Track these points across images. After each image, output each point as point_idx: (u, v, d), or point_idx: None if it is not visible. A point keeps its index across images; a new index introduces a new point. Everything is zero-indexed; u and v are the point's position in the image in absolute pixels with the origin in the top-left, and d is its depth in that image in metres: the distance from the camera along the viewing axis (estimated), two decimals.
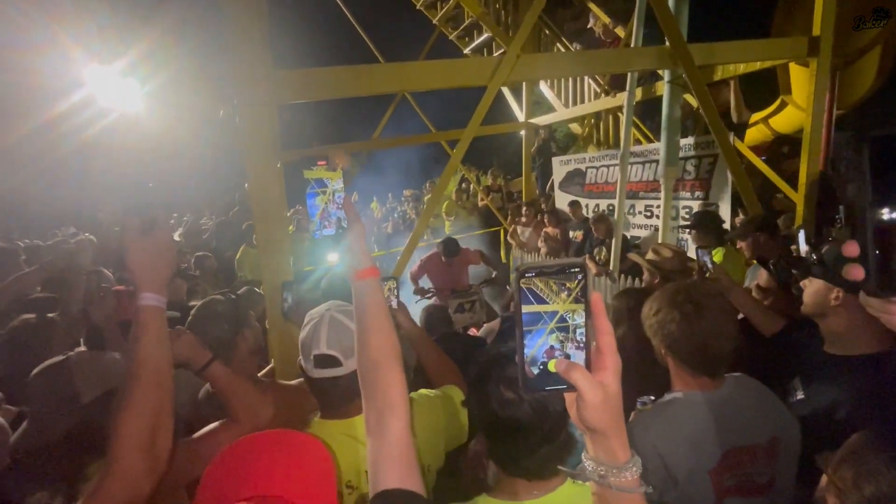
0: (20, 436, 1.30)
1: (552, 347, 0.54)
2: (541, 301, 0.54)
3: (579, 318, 0.54)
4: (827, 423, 1.35)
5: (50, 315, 1.78)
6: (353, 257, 0.85)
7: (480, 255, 4.84)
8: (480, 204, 8.92)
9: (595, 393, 0.52)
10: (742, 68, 3.96)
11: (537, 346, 0.54)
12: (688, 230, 3.66)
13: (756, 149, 4.34)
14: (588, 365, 0.54)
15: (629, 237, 5.09)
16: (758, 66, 3.92)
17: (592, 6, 5.81)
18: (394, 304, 1.70)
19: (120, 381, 0.86)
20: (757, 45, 3.34)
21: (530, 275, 0.54)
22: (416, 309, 3.05)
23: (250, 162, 2.27)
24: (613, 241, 4.62)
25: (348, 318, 1.13)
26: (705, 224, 3.21)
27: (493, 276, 4.70)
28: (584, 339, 0.54)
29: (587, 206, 6.10)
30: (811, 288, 1.50)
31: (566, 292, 0.53)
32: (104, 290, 1.80)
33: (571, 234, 5.75)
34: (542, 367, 0.54)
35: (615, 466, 0.54)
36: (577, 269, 0.53)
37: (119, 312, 1.77)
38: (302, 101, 2.68)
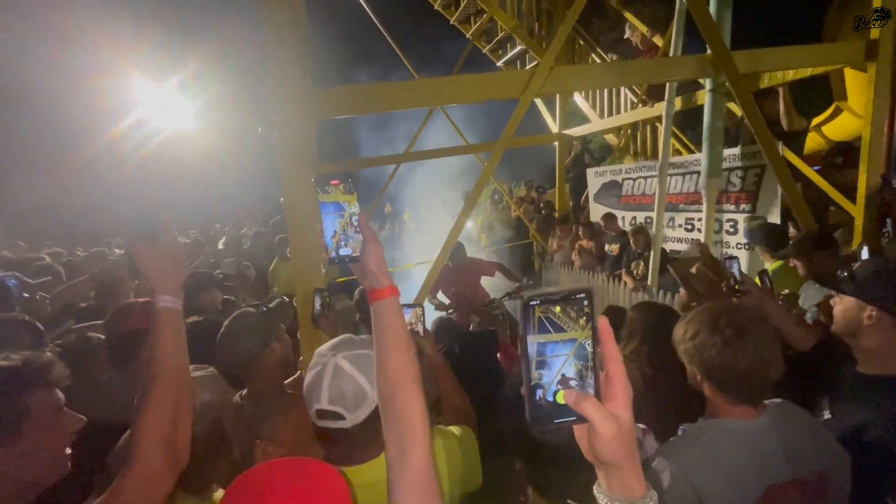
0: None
1: (564, 377, 0.51)
2: (558, 329, 0.51)
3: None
4: (855, 446, 1.25)
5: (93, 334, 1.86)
6: (370, 277, 0.84)
7: (498, 267, 4.72)
8: (512, 215, 8.84)
9: (608, 425, 0.49)
10: (791, 75, 3.75)
11: (555, 375, 0.51)
12: (747, 247, 3.47)
13: (807, 158, 4.09)
14: (597, 395, 0.51)
15: (668, 251, 4.89)
16: (808, 72, 3.71)
17: (629, 16, 5.70)
18: (419, 330, 1.69)
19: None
20: (808, 50, 3.16)
21: (535, 303, 0.50)
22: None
23: (286, 176, 2.33)
24: (652, 254, 4.44)
25: (356, 366, 1.04)
26: (774, 238, 3.03)
27: (516, 287, 4.58)
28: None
29: (623, 218, 5.93)
30: (841, 306, 1.42)
31: (584, 318, 0.50)
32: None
33: (607, 247, 5.59)
34: (551, 398, 0.51)
35: (631, 502, 0.51)
36: (582, 296, 0.50)
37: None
38: (338, 117, 2.75)
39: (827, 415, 1.43)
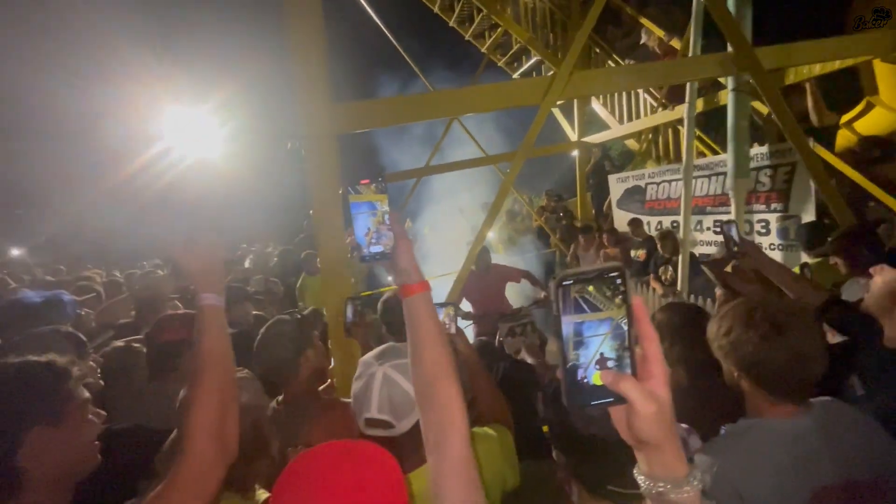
0: None
1: (603, 356, 0.50)
2: (595, 308, 0.50)
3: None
4: (889, 422, 1.19)
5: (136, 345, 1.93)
6: (402, 273, 0.85)
7: (525, 274, 4.67)
8: (534, 224, 8.80)
9: (648, 404, 0.48)
10: (818, 69, 3.67)
11: (593, 355, 0.50)
12: (780, 247, 3.37)
13: (839, 156, 3.95)
14: (634, 374, 0.49)
15: (697, 255, 4.77)
16: (836, 65, 3.61)
17: (645, 21, 5.69)
18: (452, 329, 1.68)
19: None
20: (835, 42, 3.09)
21: (568, 282, 0.50)
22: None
23: (314, 188, 2.39)
24: (680, 258, 4.34)
25: (403, 375, 1.05)
26: (813, 236, 2.99)
27: (543, 296, 4.51)
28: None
29: (648, 223, 5.83)
30: (882, 277, 1.37)
31: (619, 297, 0.49)
32: None
33: (633, 253, 5.49)
34: (590, 379, 0.49)
35: (674, 482, 0.49)
36: (616, 274, 0.49)
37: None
38: (360, 130, 2.81)
39: (860, 391, 1.42)
